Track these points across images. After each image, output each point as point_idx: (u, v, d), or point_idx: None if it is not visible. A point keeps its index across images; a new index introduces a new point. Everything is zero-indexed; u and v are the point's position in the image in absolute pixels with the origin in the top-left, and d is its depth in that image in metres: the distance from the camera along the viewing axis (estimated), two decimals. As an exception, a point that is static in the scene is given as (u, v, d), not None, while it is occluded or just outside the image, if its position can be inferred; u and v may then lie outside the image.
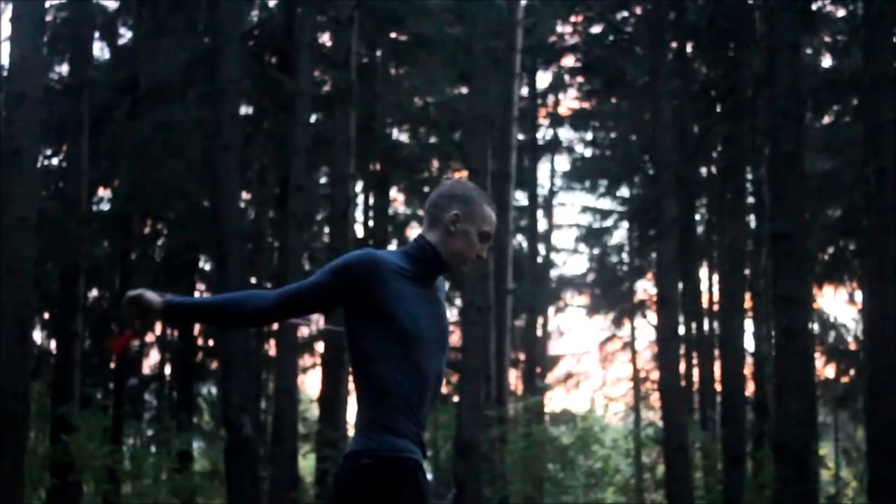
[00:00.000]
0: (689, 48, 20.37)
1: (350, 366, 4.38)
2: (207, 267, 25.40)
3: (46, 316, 23.72)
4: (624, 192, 30.99)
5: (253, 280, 20.16)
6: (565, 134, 33.19)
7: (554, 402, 33.67)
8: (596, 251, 34.60)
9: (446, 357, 4.46)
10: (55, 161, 24.22)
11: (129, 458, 20.06)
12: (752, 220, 22.12)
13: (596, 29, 23.87)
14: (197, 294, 25.59)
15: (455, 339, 21.93)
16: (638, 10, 20.33)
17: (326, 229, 22.83)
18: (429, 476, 4.38)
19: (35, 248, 14.67)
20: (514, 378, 30.52)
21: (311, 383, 37.18)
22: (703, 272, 26.41)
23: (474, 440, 15.28)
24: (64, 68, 22.92)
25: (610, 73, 21.20)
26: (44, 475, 18.86)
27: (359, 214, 22.93)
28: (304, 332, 21.97)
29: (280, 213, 19.59)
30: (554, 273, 34.98)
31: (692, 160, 20.24)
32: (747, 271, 21.41)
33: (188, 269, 24.37)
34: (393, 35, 22.81)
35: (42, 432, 21.12)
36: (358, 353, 4.29)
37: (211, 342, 25.36)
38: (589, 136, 32.02)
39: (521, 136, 27.13)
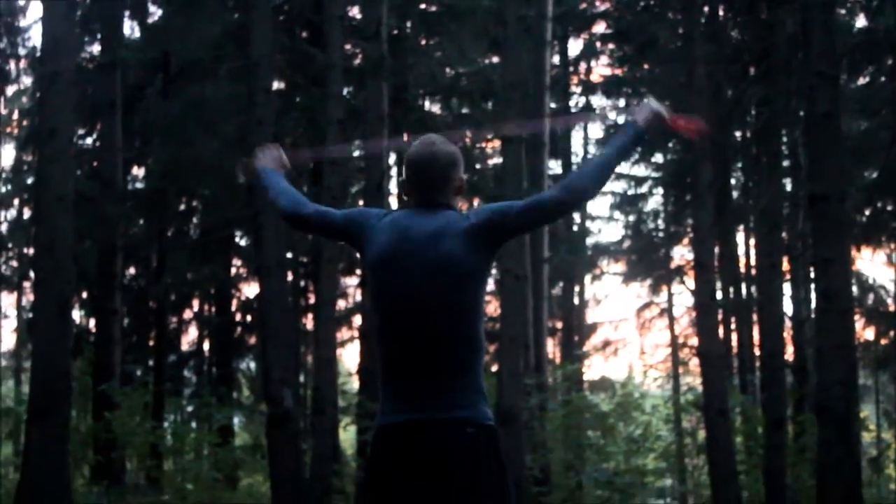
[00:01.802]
0: (721, 12, 20.22)
1: (443, 321, 4.32)
2: (244, 242, 25.49)
3: (85, 295, 23.88)
4: (658, 158, 30.87)
5: (289, 255, 20.20)
6: (598, 101, 33.06)
7: (592, 369, 33.67)
8: (631, 218, 34.49)
9: None
10: (89, 141, 24.35)
11: (171, 434, 20.18)
12: (788, 184, 21.98)
13: (627, -6, 23.74)
14: (234, 271, 25.69)
15: (493, 308, 21.91)
16: (669, -25, 20.20)
17: (361, 202, 22.85)
18: None
19: (72, 226, 14.75)
20: (552, 346, 30.55)
21: (349, 356, 37.36)
22: (740, 236, 26.31)
23: (515, 408, 15.28)
24: (95, 48, 23.02)
25: (642, 40, 21.07)
26: (87, 452, 19.05)
27: (393, 186, 22.89)
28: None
29: (315, 186, 19.60)
30: (589, 241, 34.92)
31: (727, 124, 20.11)
32: (784, 234, 21.30)
33: (224, 245, 24.45)
34: (423, 6, 22.77)
35: (84, 410, 21.32)
36: (472, 310, 4.34)
37: (249, 318, 25.49)
38: (622, 102, 31.90)
39: (553, 105, 27.05)
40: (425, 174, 4.49)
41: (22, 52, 24.94)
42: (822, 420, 13.00)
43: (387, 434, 4.38)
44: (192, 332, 28.10)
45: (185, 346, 27.60)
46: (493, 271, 25.98)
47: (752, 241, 25.71)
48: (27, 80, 26.75)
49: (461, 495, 4.16)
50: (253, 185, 5.06)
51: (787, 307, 21.13)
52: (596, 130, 34.23)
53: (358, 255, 4.59)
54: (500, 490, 4.23)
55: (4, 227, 30.27)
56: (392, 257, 4.36)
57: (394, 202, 20.67)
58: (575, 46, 31.58)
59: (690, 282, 25.13)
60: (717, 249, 20.35)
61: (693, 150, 16.90)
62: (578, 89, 32.44)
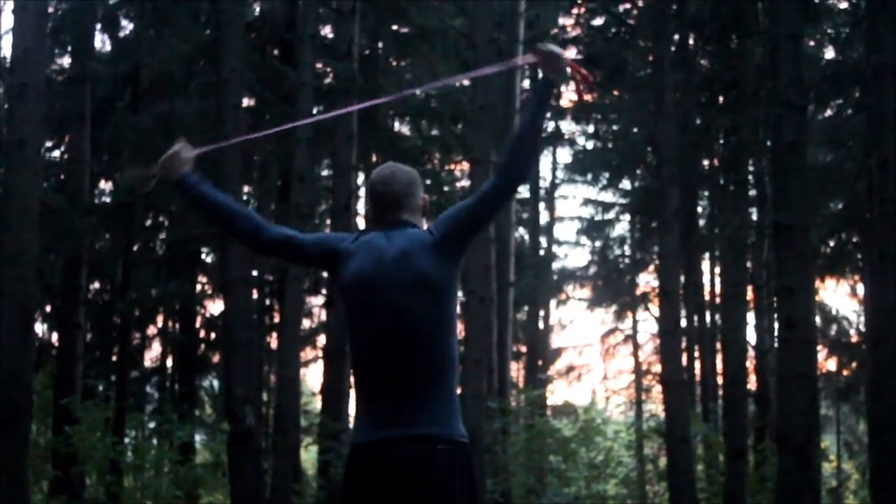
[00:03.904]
0: (691, 40, 20.35)
1: (419, 339, 4.37)
2: (210, 259, 25.41)
3: (48, 308, 23.73)
4: (626, 184, 30.99)
5: (255, 273, 20.15)
6: (567, 126, 33.18)
7: (556, 394, 33.71)
8: (598, 243, 34.64)
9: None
10: (57, 153, 24.24)
11: (132, 450, 20.06)
12: (754, 213, 22.11)
13: (598, 21, 23.86)
14: (199, 287, 25.61)
15: (457, 330, 21.86)
16: (640, 2, 20.32)
17: (328, 221, 22.83)
18: None
19: (38, 239, 14.67)
20: (515, 370, 30.57)
21: (312, 376, 37.25)
22: (705, 264, 26.44)
23: (477, 431, 15.27)
24: (66, 60, 22.91)
25: (612, 66, 21.17)
26: (46, 466, 18.90)
27: (360, 206, 22.89)
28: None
29: (282, 204, 19.58)
30: (555, 265, 35.01)
31: (694, 152, 20.22)
32: (749, 263, 21.42)
33: (190, 262, 24.35)
34: (395, 27, 22.81)
35: (44, 424, 21.16)
36: (447, 326, 4.43)
37: (213, 335, 25.39)
38: (591, 128, 32.01)
39: (522, 129, 27.09)
40: (388, 193, 4.57)
41: (-9, 62, 24.85)
42: (782, 449, 13.03)
43: (360, 453, 4.37)
44: (155, 349, 27.97)
45: (148, 363, 27.46)
46: (459, 293, 26.03)
47: (716, 270, 25.83)
48: (-4, 91, 26.63)
49: None
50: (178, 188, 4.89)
51: (751, 336, 21.23)
52: (565, 156, 34.39)
53: (329, 276, 4.62)
54: None
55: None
56: (368, 279, 4.40)
57: (361, 222, 20.65)
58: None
59: (655, 309, 25.20)
60: (682, 277, 20.44)
61: (660, 178, 16.97)
62: (548, 114, 32.50)
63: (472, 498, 4.29)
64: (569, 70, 4.66)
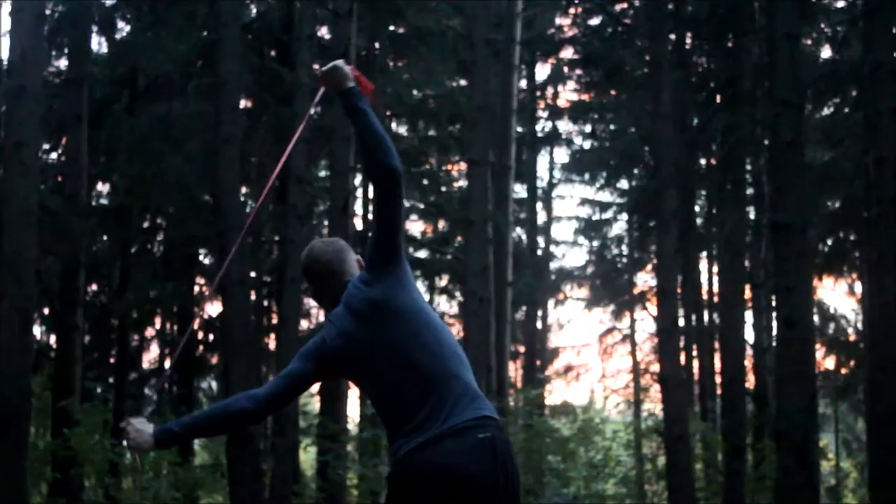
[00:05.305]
0: (688, 39, 20.37)
1: (413, 364, 4.47)
2: (207, 261, 25.39)
3: (46, 310, 23.71)
4: (623, 184, 31.03)
5: (253, 274, 20.15)
6: (564, 126, 33.18)
7: (554, 394, 33.71)
8: (595, 243, 34.61)
9: None
10: (54, 155, 24.21)
11: (130, 453, 20.02)
12: (751, 212, 22.12)
13: (595, 20, 23.89)
14: (196, 289, 25.59)
15: (456, 331, 21.88)
16: (637, 2, 20.35)
17: (326, 222, 22.83)
18: None
19: (36, 241, 14.66)
20: (514, 370, 30.55)
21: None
22: (703, 264, 26.43)
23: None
24: (63, 62, 22.88)
25: (609, 65, 21.19)
26: (45, 469, 18.86)
27: (358, 207, 22.89)
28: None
29: (280, 206, 19.57)
30: (553, 265, 34.99)
31: (692, 151, 20.24)
32: (747, 262, 21.43)
33: (188, 263, 24.34)
34: (392, 27, 22.80)
35: (43, 426, 21.13)
36: (426, 321, 4.55)
37: (211, 336, 25.37)
38: (588, 128, 32.02)
39: (520, 129, 27.12)
40: (321, 269, 4.74)
41: (-12, 65, 24.82)
42: (781, 447, 13.06)
43: (395, 467, 4.40)
44: (153, 350, 27.96)
45: (146, 364, 27.44)
46: (457, 294, 26.03)
47: (714, 269, 25.83)
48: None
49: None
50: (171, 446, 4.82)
51: (749, 335, 21.22)
52: (562, 155, 34.39)
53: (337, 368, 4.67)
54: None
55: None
56: (342, 340, 4.54)
57: (359, 223, 20.67)
58: (543, 71, 31.70)
59: (653, 308, 25.21)
60: (679, 276, 20.45)
61: (657, 177, 16.98)
62: (545, 114, 32.54)
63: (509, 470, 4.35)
64: (349, 71, 4.62)
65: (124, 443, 4.53)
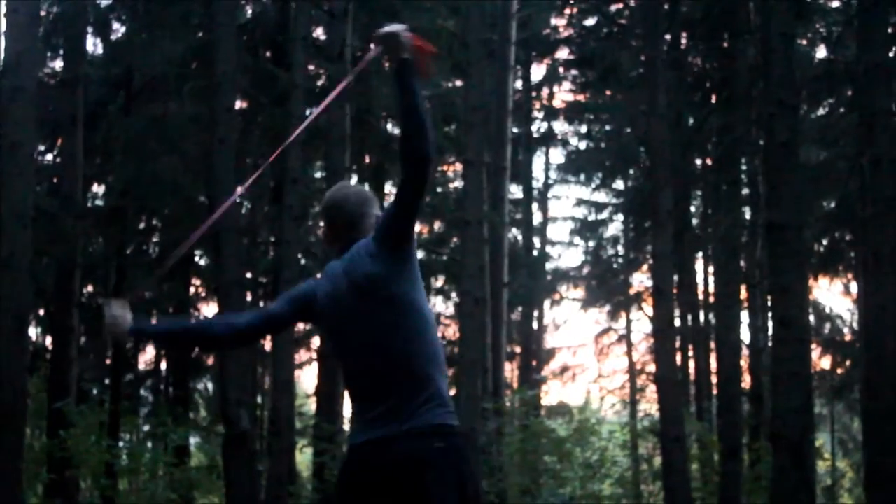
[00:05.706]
0: (683, 40, 20.37)
1: (388, 349, 4.45)
2: (203, 262, 25.38)
3: (42, 312, 23.70)
4: (619, 184, 31.04)
5: (248, 275, 20.15)
6: (560, 126, 33.23)
7: (550, 394, 33.75)
8: (591, 244, 34.65)
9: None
10: (49, 157, 24.19)
11: (126, 454, 20.02)
12: (747, 212, 22.12)
13: (590, 21, 23.91)
14: (192, 290, 25.59)
15: (452, 331, 21.86)
16: (632, 2, 20.33)
17: (322, 223, 22.84)
18: None
19: (31, 242, 14.65)
20: (510, 371, 30.55)
21: (306, 378, 37.23)
22: (699, 264, 26.45)
23: (472, 432, 15.28)
24: (58, 64, 22.87)
25: (604, 66, 21.19)
26: (41, 470, 18.85)
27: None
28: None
29: (275, 206, 19.57)
30: (549, 266, 35.00)
31: (687, 152, 20.24)
32: (743, 262, 21.43)
33: (184, 264, 24.33)
34: (387, 28, 22.78)
35: (39, 428, 21.10)
36: (410, 323, 4.47)
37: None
38: (583, 128, 32.05)
39: (515, 129, 27.13)
40: (341, 215, 4.70)
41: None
42: (777, 447, 13.05)
43: (348, 455, 4.50)
44: (149, 352, 27.94)
45: (142, 366, 27.43)
46: (453, 295, 26.01)
47: (710, 269, 25.84)
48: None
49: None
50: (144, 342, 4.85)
51: (745, 335, 21.23)
52: (558, 156, 34.41)
53: (317, 322, 4.68)
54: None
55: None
56: (330, 301, 4.55)
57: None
58: (538, 71, 31.73)
59: (649, 308, 25.23)
60: (675, 277, 20.46)
61: (653, 178, 16.98)
62: (541, 114, 32.56)
63: (459, 494, 4.29)
64: (410, 41, 4.62)
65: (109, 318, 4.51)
